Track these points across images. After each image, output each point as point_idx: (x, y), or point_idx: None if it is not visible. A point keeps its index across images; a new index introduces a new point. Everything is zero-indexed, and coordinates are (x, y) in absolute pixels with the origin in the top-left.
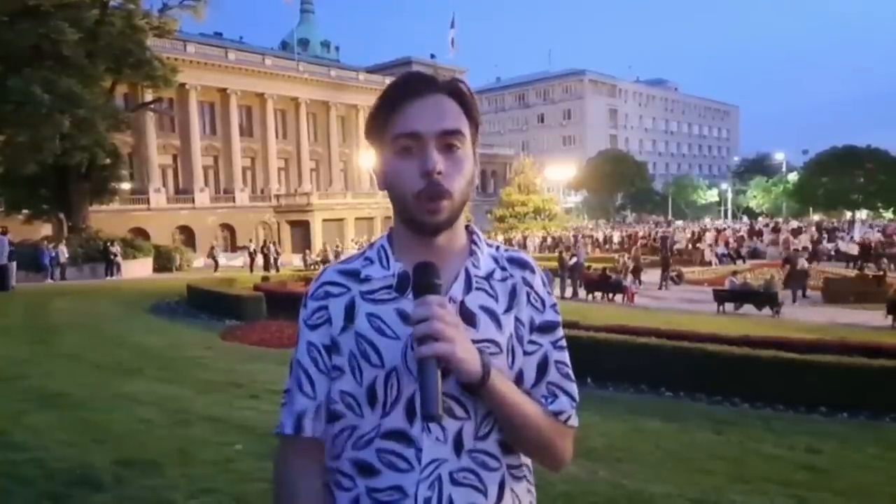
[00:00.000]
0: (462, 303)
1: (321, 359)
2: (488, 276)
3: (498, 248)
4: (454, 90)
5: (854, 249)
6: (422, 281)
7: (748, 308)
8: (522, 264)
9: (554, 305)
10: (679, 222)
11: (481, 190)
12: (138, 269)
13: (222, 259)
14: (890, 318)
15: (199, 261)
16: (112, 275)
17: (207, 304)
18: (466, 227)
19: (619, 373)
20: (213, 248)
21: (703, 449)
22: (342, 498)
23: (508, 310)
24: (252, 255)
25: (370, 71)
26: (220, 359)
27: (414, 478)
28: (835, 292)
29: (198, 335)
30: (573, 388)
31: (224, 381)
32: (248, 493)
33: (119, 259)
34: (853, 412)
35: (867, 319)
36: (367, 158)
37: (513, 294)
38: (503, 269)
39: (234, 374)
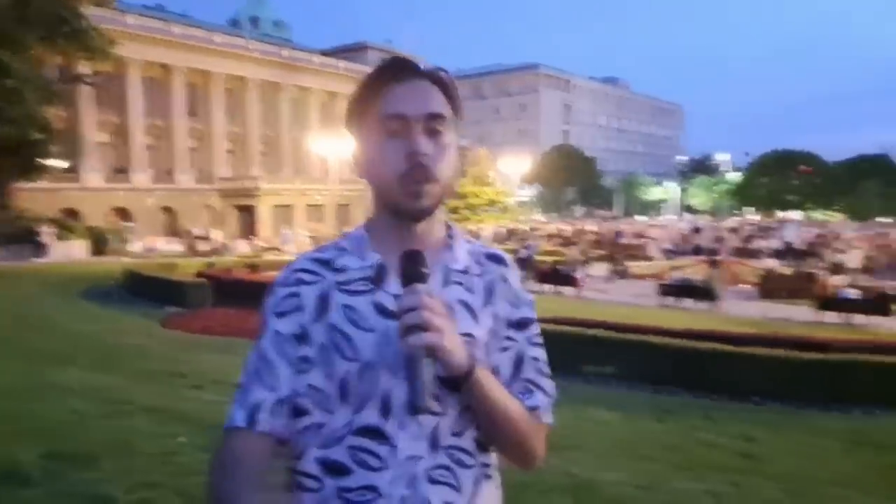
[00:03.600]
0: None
1: (289, 349)
2: (465, 271)
3: (474, 243)
4: (438, 78)
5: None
6: (410, 269)
7: (688, 301)
8: (499, 260)
9: (529, 302)
10: (644, 218)
11: None
12: (70, 252)
13: (161, 244)
14: (818, 312)
15: (138, 244)
16: (40, 257)
17: (146, 289)
18: (445, 221)
19: (568, 363)
20: (122, 229)
21: (647, 437)
22: (307, 499)
23: (485, 305)
24: (197, 239)
25: (325, 54)
26: (161, 347)
27: (388, 476)
28: (769, 288)
29: (136, 322)
30: (549, 384)
31: (165, 371)
32: (192, 487)
33: (48, 240)
34: (784, 401)
35: (797, 314)
36: (318, 143)
37: (489, 289)
38: (480, 264)
39: (177, 363)
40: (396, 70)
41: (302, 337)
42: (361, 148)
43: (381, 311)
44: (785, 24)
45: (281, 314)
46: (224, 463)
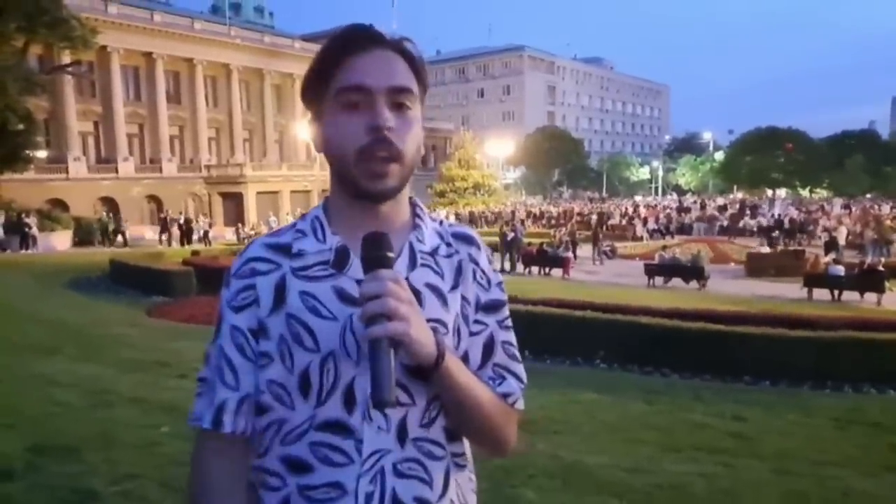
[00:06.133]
0: (406, 280)
1: (247, 345)
2: (433, 252)
3: (441, 222)
4: (403, 49)
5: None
6: (373, 253)
7: (676, 281)
8: (468, 240)
9: (500, 283)
10: (639, 198)
11: (421, 164)
12: (56, 242)
13: (148, 233)
14: (806, 290)
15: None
16: (27, 248)
17: (132, 279)
18: (409, 199)
19: (555, 345)
20: (100, 218)
21: (636, 419)
22: (270, 499)
23: (454, 287)
24: (179, 227)
25: (306, 39)
26: (146, 337)
27: (354, 472)
28: (756, 267)
29: (122, 312)
30: (520, 368)
31: (150, 360)
32: (175, 478)
33: (35, 231)
34: (775, 380)
35: (785, 292)
36: (303, 129)
37: (459, 271)
38: (448, 244)
39: (161, 353)
40: (357, 39)
41: (259, 332)
42: (319, 123)
43: (343, 297)
44: (762, 2)
45: (237, 308)
46: (196, 477)
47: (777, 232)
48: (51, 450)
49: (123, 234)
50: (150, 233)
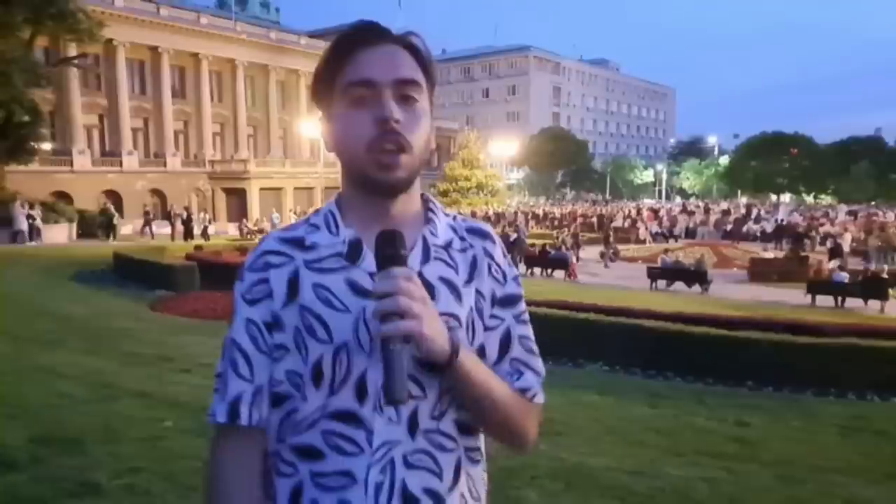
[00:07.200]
0: (420, 274)
1: (261, 337)
2: (447, 246)
3: (455, 217)
4: (409, 43)
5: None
6: (387, 251)
7: (679, 285)
8: (482, 234)
9: (515, 277)
10: (646, 201)
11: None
12: (60, 235)
13: (153, 226)
14: (809, 296)
15: (128, 227)
16: (31, 240)
17: (136, 272)
18: (422, 194)
19: (558, 347)
20: (105, 210)
21: (638, 422)
22: (282, 485)
23: (469, 282)
24: (182, 222)
25: (312, 36)
26: (150, 330)
27: (364, 462)
28: (760, 272)
29: (126, 305)
30: (538, 363)
31: (153, 354)
32: (178, 472)
33: (39, 223)
34: (778, 386)
35: (788, 298)
36: (308, 125)
37: (473, 265)
38: (462, 238)
39: (165, 347)
40: (363, 34)
41: (274, 324)
42: (329, 121)
43: (356, 289)
44: (777, 3)
45: (251, 302)
46: (213, 471)
47: (782, 239)
48: (55, 441)
49: (113, 228)
50: (154, 227)
